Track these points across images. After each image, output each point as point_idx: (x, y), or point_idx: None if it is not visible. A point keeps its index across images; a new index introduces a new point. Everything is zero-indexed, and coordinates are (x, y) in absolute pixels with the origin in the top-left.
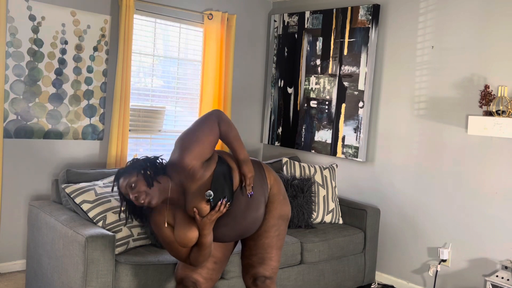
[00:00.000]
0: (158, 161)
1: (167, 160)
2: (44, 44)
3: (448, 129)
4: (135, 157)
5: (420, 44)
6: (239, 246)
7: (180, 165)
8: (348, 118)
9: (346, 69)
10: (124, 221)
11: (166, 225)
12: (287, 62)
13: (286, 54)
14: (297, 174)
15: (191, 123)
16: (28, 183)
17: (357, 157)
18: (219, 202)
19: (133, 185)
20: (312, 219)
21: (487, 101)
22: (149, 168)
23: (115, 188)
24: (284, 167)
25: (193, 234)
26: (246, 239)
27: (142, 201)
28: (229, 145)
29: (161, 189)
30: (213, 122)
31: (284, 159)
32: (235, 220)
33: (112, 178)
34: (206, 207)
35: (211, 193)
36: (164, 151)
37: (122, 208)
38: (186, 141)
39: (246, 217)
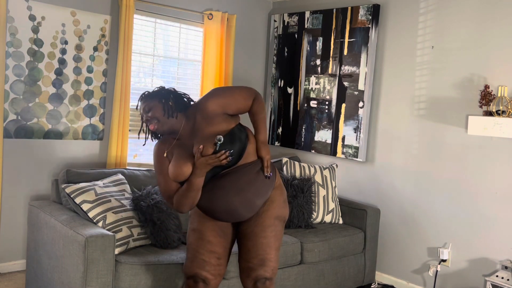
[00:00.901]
0: (184, 97)
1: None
2: (44, 44)
3: (448, 129)
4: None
5: (420, 44)
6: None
7: (203, 104)
8: (348, 118)
9: (346, 69)
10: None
11: (165, 155)
12: (287, 62)
13: (286, 54)
14: (297, 174)
15: None
16: (28, 183)
17: (357, 157)
18: (223, 151)
19: (148, 109)
20: (312, 219)
21: (487, 101)
22: (171, 100)
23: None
24: (284, 167)
25: (187, 168)
26: (244, 240)
27: (151, 127)
28: (255, 123)
29: (173, 123)
30: (250, 95)
31: (284, 159)
32: (231, 189)
33: (112, 178)
34: (210, 151)
35: (221, 138)
36: None
37: (143, 129)
38: (219, 90)
39: (242, 192)
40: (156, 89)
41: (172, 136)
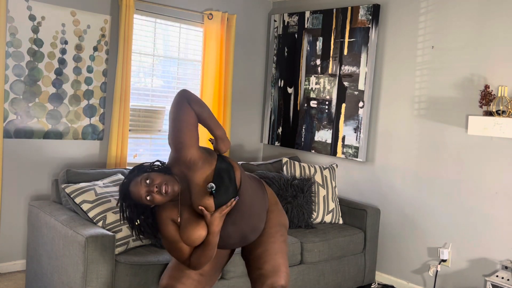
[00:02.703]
0: (157, 163)
1: (166, 163)
2: (44, 44)
3: (448, 129)
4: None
5: (420, 44)
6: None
7: (179, 159)
8: (348, 118)
9: (346, 69)
10: (135, 236)
11: (178, 220)
12: (287, 62)
13: (286, 54)
14: (297, 174)
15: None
16: (28, 183)
17: (357, 157)
18: (232, 199)
19: (148, 180)
20: (312, 219)
21: (487, 101)
22: (155, 166)
23: (121, 203)
24: (284, 167)
25: (201, 232)
26: (253, 251)
27: (165, 191)
28: (204, 123)
29: (176, 178)
30: (185, 106)
31: (284, 159)
32: (243, 218)
33: (112, 178)
34: (212, 203)
35: (213, 185)
36: (164, 151)
37: (136, 223)
38: (174, 138)
39: (250, 221)
40: (129, 173)
41: (171, 201)
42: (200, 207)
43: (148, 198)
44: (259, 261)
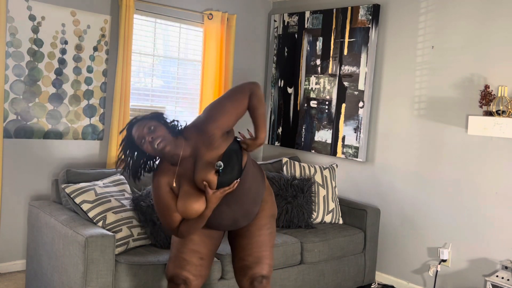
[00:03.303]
0: (175, 123)
1: (183, 125)
2: (44, 44)
3: (448, 129)
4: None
5: (420, 44)
6: (227, 249)
7: (202, 130)
8: (348, 118)
9: (346, 69)
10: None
11: (173, 185)
12: (287, 62)
13: (286, 54)
14: (297, 174)
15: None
16: (28, 183)
17: (357, 157)
18: (235, 181)
19: (152, 127)
20: (312, 219)
21: (487, 101)
22: (168, 122)
23: (124, 133)
24: (284, 167)
25: (200, 206)
26: (239, 239)
27: (157, 146)
28: (254, 119)
29: (177, 144)
30: (244, 96)
31: (284, 159)
32: (237, 200)
33: (112, 178)
34: (214, 179)
35: (221, 164)
36: None
37: (124, 157)
38: (214, 110)
39: (244, 205)
40: (150, 114)
41: (170, 163)
42: (204, 182)
43: (141, 142)
44: (244, 252)
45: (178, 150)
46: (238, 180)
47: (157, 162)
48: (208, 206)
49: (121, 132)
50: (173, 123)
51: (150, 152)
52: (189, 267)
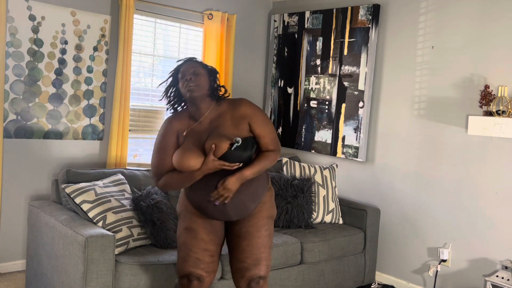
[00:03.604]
0: (219, 88)
1: (229, 96)
2: (44, 44)
3: (448, 129)
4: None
5: (420, 44)
6: (226, 249)
7: (238, 109)
8: (348, 118)
9: (346, 69)
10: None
11: (184, 133)
12: (287, 62)
13: (286, 54)
14: (297, 174)
15: None
16: (28, 183)
17: (357, 157)
18: (238, 163)
19: (198, 73)
20: (312, 219)
21: (487, 101)
22: (215, 83)
23: (178, 64)
24: (284, 167)
25: (195, 162)
26: (238, 240)
27: (191, 85)
28: (257, 156)
29: (206, 100)
30: (277, 144)
31: (284, 159)
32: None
33: (112, 178)
34: (224, 147)
35: (240, 140)
36: None
37: (167, 84)
38: (262, 115)
39: (236, 194)
40: (207, 65)
41: (191, 116)
42: (213, 145)
43: (182, 76)
44: (243, 254)
45: (205, 108)
46: (240, 165)
47: (179, 109)
48: (201, 169)
49: (178, 61)
50: (217, 87)
51: (181, 89)
52: (202, 265)
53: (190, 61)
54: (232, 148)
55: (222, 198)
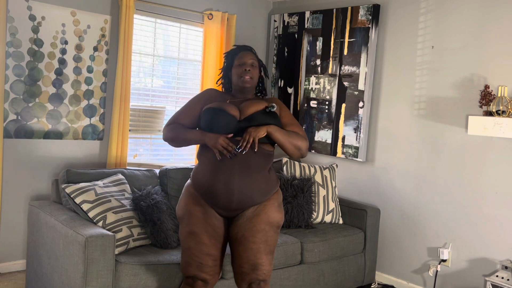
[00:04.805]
0: (265, 86)
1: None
2: (44, 44)
3: (448, 129)
4: None
5: (420, 44)
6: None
7: (271, 98)
8: (348, 118)
9: (346, 69)
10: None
11: (228, 101)
12: (287, 62)
13: (286, 54)
14: (297, 174)
15: None
16: (28, 183)
17: (357, 157)
18: (249, 145)
19: (256, 67)
20: (312, 219)
21: (487, 101)
22: (263, 80)
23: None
24: (284, 167)
25: (235, 111)
26: (236, 245)
27: (247, 76)
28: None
29: (253, 90)
30: (302, 133)
31: (284, 159)
32: (243, 171)
33: (112, 178)
34: (260, 106)
35: (275, 105)
36: (164, 151)
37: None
38: (289, 115)
39: (253, 178)
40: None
41: (231, 98)
42: (228, 100)
43: (240, 63)
44: (240, 260)
45: (248, 95)
46: (244, 151)
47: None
48: (203, 139)
49: (235, 44)
50: (263, 85)
51: (234, 75)
52: (206, 269)
53: (250, 50)
54: (267, 110)
55: (247, 144)
